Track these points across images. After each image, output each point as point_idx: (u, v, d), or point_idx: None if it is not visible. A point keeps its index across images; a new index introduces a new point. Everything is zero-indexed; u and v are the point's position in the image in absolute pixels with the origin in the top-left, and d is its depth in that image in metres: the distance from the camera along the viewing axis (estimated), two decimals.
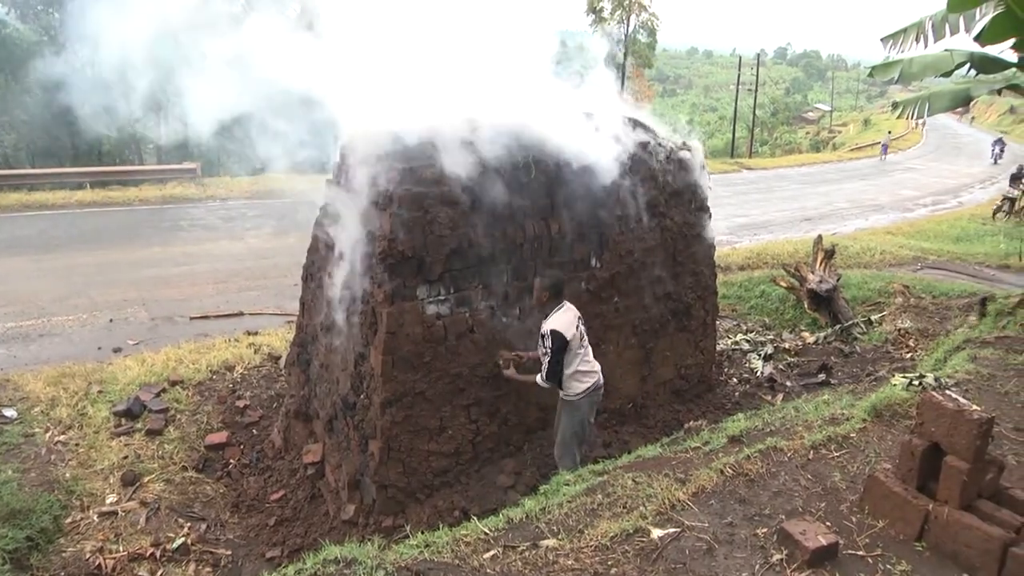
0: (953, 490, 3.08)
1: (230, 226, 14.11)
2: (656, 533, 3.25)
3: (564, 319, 4.58)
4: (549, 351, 4.53)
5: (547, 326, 4.57)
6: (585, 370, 4.69)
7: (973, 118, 64.55)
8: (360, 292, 4.77)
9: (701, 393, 6.70)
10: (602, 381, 4.84)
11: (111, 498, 5.16)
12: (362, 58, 4.69)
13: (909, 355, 7.40)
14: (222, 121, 5.16)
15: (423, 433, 4.78)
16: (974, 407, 3.09)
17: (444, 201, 4.56)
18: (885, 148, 37.71)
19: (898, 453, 3.35)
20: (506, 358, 4.94)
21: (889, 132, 45.34)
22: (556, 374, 4.60)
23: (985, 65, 7.26)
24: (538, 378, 4.67)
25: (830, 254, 9.45)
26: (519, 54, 5.17)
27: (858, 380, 6.68)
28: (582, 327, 4.71)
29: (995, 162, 35.27)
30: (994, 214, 18.43)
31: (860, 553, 3.13)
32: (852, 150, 47.23)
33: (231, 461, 5.87)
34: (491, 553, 3.17)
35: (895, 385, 5.02)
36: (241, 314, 9.11)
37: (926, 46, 7.73)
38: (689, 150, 6.22)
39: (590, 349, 4.80)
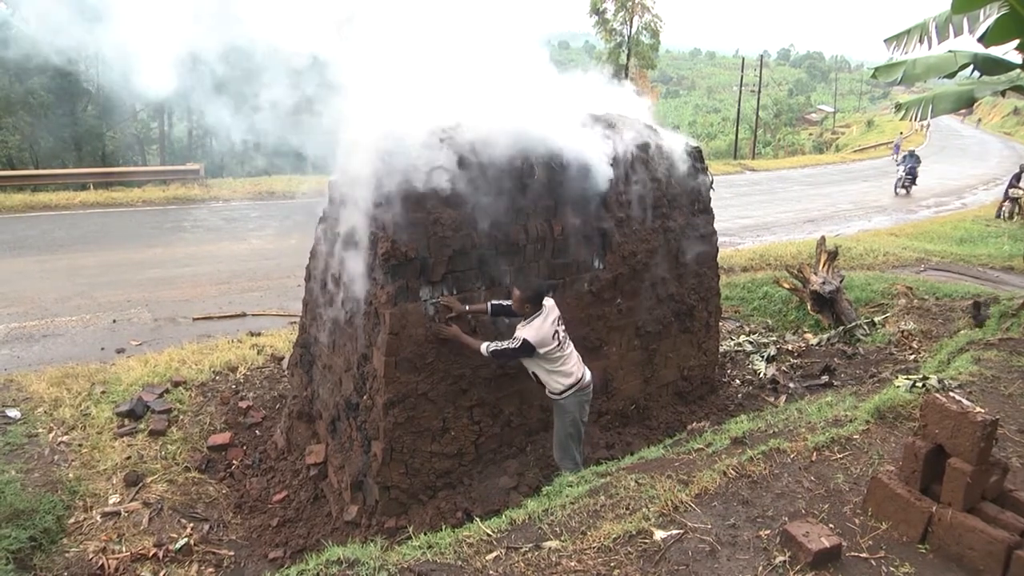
0: (957, 492, 3.07)
1: (233, 227, 14.13)
2: (659, 535, 3.24)
3: (541, 330, 4.50)
4: (512, 349, 4.49)
5: (521, 333, 4.50)
6: (564, 369, 4.64)
7: (979, 120, 64.35)
8: (363, 293, 4.78)
9: (704, 395, 6.69)
10: (589, 379, 4.79)
11: (114, 498, 5.17)
12: (366, 58, 4.70)
13: (912, 357, 7.39)
14: (224, 121, 5.17)
15: (426, 434, 4.78)
16: (978, 409, 3.08)
17: (446, 202, 4.56)
18: (897, 148, 37.72)
19: (901, 455, 3.34)
20: (451, 309, 4.70)
21: (901, 133, 45.20)
22: (501, 358, 4.62)
23: (989, 66, 7.25)
24: (483, 345, 4.56)
25: (833, 255, 9.44)
26: (523, 55, 5.17)
27: (861, 382, 6.67)
28: (560, 328, 4.65)
29: (903, 189, 22.70)
30: (1006, 215, 18.33)
31: (863, 555, 3.12)
32: (856, 151, 47.21)
33: (234, 462, 5.88)
34: (494, 554, 3.17)
35: (898, 387, 5.02)
36: (244, 315, 9.12)
37: (930, 47, 7.72)
38: (692, 151, 6.22)
39: (572, 348, 4.74)
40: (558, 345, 4.58)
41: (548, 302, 4.67)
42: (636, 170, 5.61)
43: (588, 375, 4.81)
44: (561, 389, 4.65)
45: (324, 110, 4.90)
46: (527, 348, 4.47)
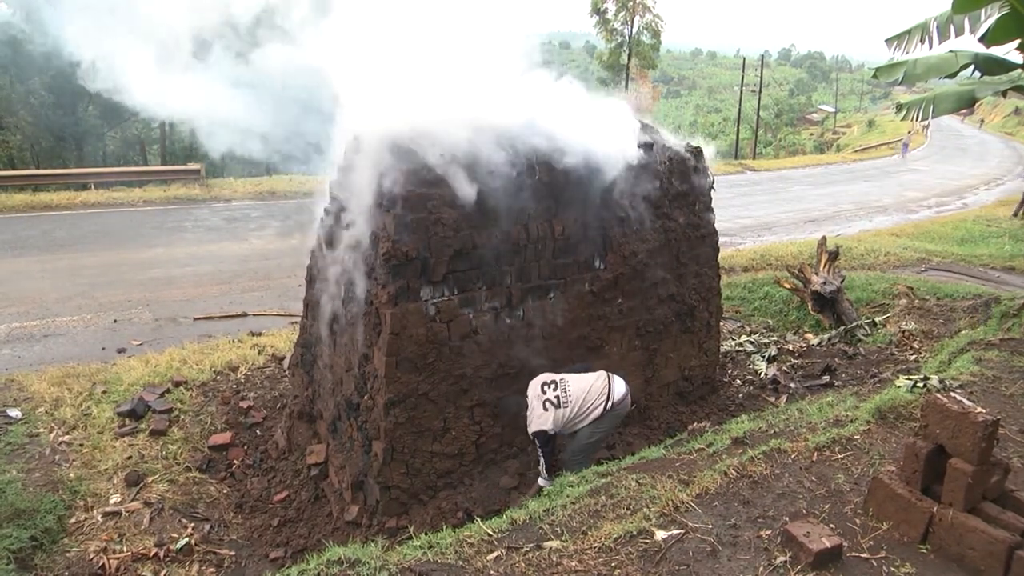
0: (958, 493, 3.07)
1: (234, 227, 14.14)
2: (660, 535, 3.24)
3: (536, 417, 4.62)
4: (542, 449, 4.63)
5: (529, 431, 4.67)
6: (587, 412, 4.67)
7: (982, 120, 64.01)
8: (363, 293, 4.78)
9: (705, 395, 6.68)
10: (622, 393, 4.80)
11: (115, 498, 5.17)
12: (367, 58, 4.70)
13: (913, 357, 7.38)
14: (227, 122, 5.17)
15: (426, 434, 4.78)
16: (979, 409, 3.08)
17: (447, 202, 4.56)
18: (906, 147, 37.75)
19: (902, 455, 3.34)
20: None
21: (909, 132, 45.08)
22: (547, 457, 4.68)
23: (990, 66, 7.25)
24: (540, 481, 4.69)
25: (834, 255, 9.43)
26: (524, 55, 5.17)
27: (862, 382, 6.66)
28: (550, 392, 4.66)
29: None
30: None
31: (864, 555, 3.12)
32: (857, 151, 47.16)
33: (235, 462, 5.88)
34: (494, 554, 3.17)
35: (899, 387, 5.01)
36: (245, 315, 9.13)
37: (931, 47, 7.72)
38: (693, 151, 6.22)
39: (574, 390, 4.70)
40: (559, 406, 4.61)
41: (529, 388, 4.76)
42: (637, 170, 5.60)
43: (620, 389, 4.81)
44: (601, 413, 4.70)
45: (326, 109, 4.91)
46: (542, 436, 4.59)
